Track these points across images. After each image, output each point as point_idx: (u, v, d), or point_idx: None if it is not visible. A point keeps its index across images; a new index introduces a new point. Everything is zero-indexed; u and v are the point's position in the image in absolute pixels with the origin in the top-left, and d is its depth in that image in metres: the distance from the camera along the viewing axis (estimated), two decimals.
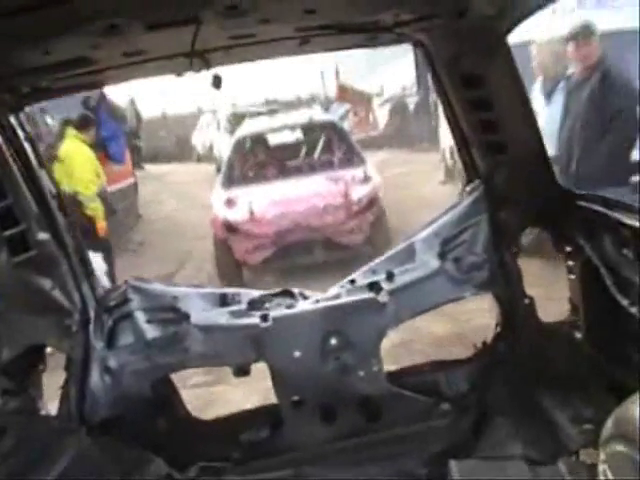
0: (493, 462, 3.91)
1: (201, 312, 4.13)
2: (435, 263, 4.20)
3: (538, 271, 6.47)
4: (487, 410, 4.29)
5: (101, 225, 10.83)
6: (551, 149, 5.45)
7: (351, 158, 13.51)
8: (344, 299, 4.15)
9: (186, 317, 4.09)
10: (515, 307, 4.32)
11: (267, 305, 4.22)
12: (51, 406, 3.99)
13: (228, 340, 4.10)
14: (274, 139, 14.61)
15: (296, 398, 4.13)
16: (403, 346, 7.07)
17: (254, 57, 4.16)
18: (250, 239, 11.50)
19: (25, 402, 3.69)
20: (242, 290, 4.43)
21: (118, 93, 17.62)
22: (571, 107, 7.52)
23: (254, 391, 5.97)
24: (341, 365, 4.07)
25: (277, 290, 4.35)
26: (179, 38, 3.16)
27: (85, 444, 3.78)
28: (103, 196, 11.35)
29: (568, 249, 3.97)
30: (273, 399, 4.25)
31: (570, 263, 3.99)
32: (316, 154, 14.42)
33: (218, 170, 17.73)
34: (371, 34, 3.75)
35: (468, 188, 4.33)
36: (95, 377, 4.01)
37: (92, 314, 4.09)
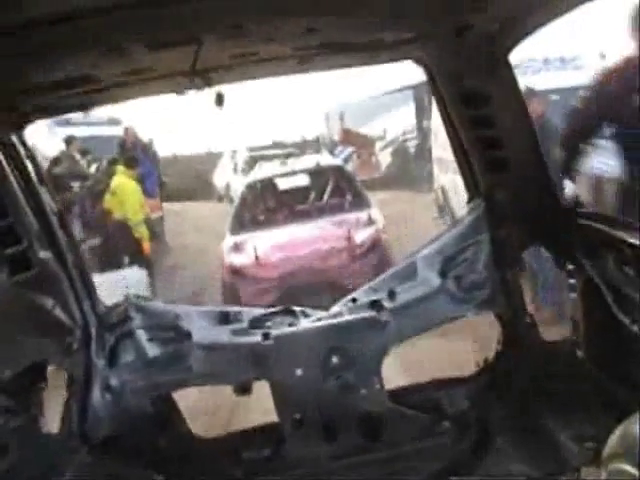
0: None
1: (202, 330, 4.13)
2: (436, 281, 4.20)
3: None
4: (488, 428, 4.27)
5: (146, 246, 13.28)
6: None
7: (357, 201, 13.71)
8: (346, 317, 4.14)
9: (187, 335, 4.08)
10: (516, 325, 4.31)
11: (269, 323, 4.22)
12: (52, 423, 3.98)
13: (230, 359, 4.09)
14: (283, 184, 14.89)
15: (298, 416, 4.12)
16: None
17: (255, 75, 4.16)
18: (255, 283, 11.64)
19: (26, 420, 3.67)
20: (244, 308, 4.42)
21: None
22: None
23: None
24: (342, 383, 4.07)
25: (279, 308, 4.35)
26: (181, 57, 3.17)
27: (86, 462, 3.78)
28: (147, 223, 13.83)
29: (569, 267, 3.97)
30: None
31: (571, 281, 3.99)
32: (324, 198, 14.67)
33: None
34: (372, 52, 3.77)
35: (469, 206, 4.32)
36: (96, 395, 4.01)
37: (93, 332, 4.09)
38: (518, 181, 4.05)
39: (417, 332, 4.24)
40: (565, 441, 3.90)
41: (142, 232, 13.20)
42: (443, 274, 4.22)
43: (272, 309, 4.35)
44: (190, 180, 31.80)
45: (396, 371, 6.22)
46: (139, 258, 12.84)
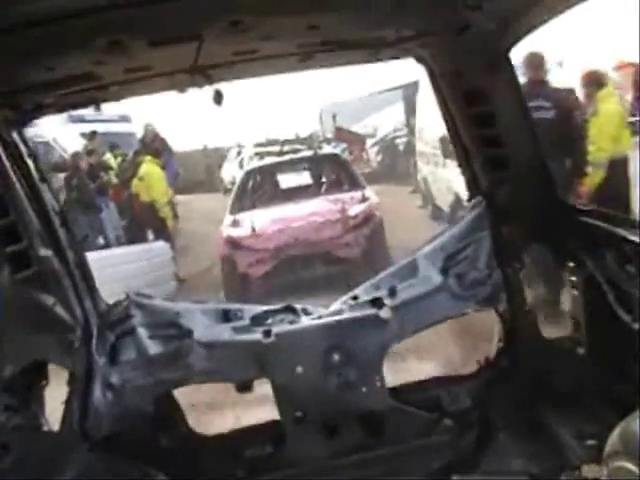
0: (496, 478, 3.90)
1: (204, 328, 4.12)
2: (438, 279, 4.20)
3: None
4: (489, 426, 4.27)
5: (170, 224, 16.17)
6: None
7: (352, 183, 14.36)
8: (347, 315, 4.14)
9: (189, 333, 4.08)
10: (517, 323, 4.31)
11: (270, 321, 4.21)
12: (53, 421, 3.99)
13: (231, 356, 4.09)
14: (283, 178, 15.52)
15: (299, 414, 4.11)
16: None
17: (256, 73, 4.16)
18: (252, 253, 12.31)
19: (27, 418, 3.67)
20: (245, 306, 4.41)
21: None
22: None
23: None
24: (344, 381, 4.06)
25: (280, 306, 4.34)
26: (182, 54, 3.17)
27: (87, 460, 3.78)
28: (171, 204, 16.93)
29: (570, 265, 3.96)
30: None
31: (572, 279, 3.99)
32: (321, 183, 15.37)
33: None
34: (373, 50, 3.77)
35: (470, 204, 4.32)
36: (97, 393, 4.00)
37: (94, 330, 4.08)
38: (519, 179, 4.05)
39: (418, 329, 4.24)
40: (566, 438, 3.90)
41: (167, 212, 15.90)
42: (444, 272, 4.22)
43: (273, 307, 4.34)
44: (199, 174, 32.94)
45: None
46: (164, 234, 15.35)
